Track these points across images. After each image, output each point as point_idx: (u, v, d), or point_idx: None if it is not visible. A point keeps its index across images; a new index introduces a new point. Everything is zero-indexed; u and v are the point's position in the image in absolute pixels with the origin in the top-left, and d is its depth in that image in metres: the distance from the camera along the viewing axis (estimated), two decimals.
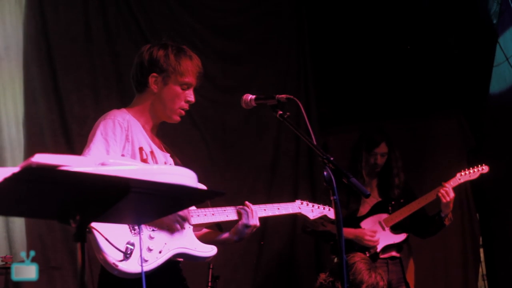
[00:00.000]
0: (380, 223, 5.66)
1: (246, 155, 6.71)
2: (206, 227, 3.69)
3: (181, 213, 3.36)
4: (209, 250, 3.48)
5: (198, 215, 3.52)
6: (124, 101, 5.92)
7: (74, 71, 5.72)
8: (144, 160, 3.38)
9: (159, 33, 6.21)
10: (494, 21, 6.90)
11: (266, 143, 6.85)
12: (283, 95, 3.40)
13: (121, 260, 3.11)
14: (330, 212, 4.17)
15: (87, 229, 2.95)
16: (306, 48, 7.27)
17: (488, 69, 6.98)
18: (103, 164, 2.01)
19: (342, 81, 7.31)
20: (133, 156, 3.37)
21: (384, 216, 5.69)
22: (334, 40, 7.28)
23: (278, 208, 3.81)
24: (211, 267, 4.96)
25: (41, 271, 5.01)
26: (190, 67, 3.51)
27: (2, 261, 4.34)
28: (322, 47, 7.34)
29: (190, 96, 3.55)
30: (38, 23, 5.56)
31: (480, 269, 7.25)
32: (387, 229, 5.65)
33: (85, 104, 5.74)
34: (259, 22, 7.05)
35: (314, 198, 6.57)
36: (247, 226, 3.57)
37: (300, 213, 3.98)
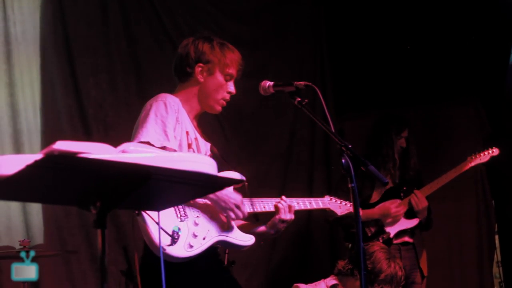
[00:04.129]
0: None
1: (261, 141, 6.70)
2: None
3: (235, 201, 3.45)
4: (248, 239, 3.61)
5: None
6: (140, 86, 5.96)
7: (91, 56, 5.73)
8: (189, 145, 3.52)
9: (175, 18, 6.25)
10: None
11: (282, 129, 6.84)
12: (301, 82, 3.41)
13: (169, 245, 3.24)
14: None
15: (136, 212, 3.13)
16: (322, 33, 7.23)
17: (507, 56, 6.93)
18: (123, 151, 2.02)
19: (358, 67, 7.28)
20: (181, 138, 3.48)
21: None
22: (351, 25, 7.24)
23: (310, 203, 3.89)
24: (226, 251, 4.97)
25: (57, 255, 5.08)
26: (234, 58, 3.66)
27: (20, 245, 4.37)
28: (339, 32, 7.30)
29: (231, 87, 3.69)
30: (55, 7, 5.56)
31: (495, 256, 7.24)
32: None
33: (101, 88, 5.74)
34: (275, 7, 7.02)
35: (330, 184, 6.59)
36: (283, 221, 3.65)
37: (329, 208, 4.08)
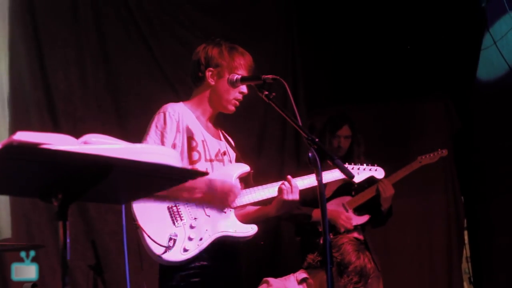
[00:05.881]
0: (343, 205, 5.71)
1: (232, 136, 6.67)
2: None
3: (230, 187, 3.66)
4: (249, 230, 3.73)
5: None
6: (110, 79, 5.91)
7: (60, 48, 5.67)
8: (193, 148, 3.75)
9: (146, 11, 6.21)
10: (483, 4, 6.89)
11: (252, 124, 6.81)
12: (269, 76, 3.47)
13: (164, 252, 3.46)
14: (377, 172, 4.45)
15: (135, 226, 3.41)
16: (294, 27, 7.23)
17: (476, 53, 6.99)
18: (85, 143, 2.00)
19: (330, 63, 7.29)
20: (183, 145, 3.72)
21: (347, 198, 5.73)
22: (323, 20, 7.25)
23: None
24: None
25: (25, 249, 5.03)
26: (243, 61, 3.83)
27: None
28: (311, 27, 7.30)
29: (243, 88, 3.85)
30: None
31: (464, 251, 7.31)
32: (350, 211, 5.70)
33: (71, 82, 5.69)
34: (247, 2, 7.01)
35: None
36: (285, 201, 3.73)
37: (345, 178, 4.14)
